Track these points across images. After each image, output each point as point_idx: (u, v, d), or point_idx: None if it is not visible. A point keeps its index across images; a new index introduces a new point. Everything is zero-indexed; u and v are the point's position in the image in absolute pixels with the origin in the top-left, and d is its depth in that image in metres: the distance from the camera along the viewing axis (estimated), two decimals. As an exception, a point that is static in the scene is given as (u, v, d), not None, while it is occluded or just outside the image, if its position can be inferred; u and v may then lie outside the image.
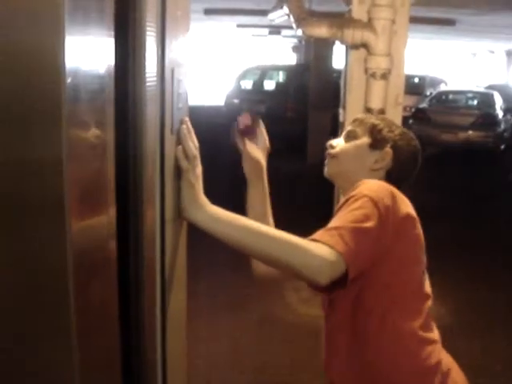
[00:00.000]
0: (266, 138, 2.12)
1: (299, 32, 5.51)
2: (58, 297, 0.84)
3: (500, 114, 13.95)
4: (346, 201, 1.72)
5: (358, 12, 5.11)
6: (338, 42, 5.46)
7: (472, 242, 7.30)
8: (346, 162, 2.00)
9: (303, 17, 5.37)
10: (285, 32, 17.57)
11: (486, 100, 14.77)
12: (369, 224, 1.63)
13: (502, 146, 13.65)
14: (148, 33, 1.05)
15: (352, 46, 5.20)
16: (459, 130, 13.05)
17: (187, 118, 1.48)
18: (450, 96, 15.93)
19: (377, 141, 1.97)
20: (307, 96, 12.34)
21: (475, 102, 15.36)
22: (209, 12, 13.06)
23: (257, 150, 2.06)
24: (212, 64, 39.34)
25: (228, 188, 9.05)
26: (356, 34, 5.02)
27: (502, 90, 17.06)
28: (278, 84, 15.65)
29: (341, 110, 5.60)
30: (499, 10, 11.09)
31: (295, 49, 28.55)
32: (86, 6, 0.83)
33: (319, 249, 1.55)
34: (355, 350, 1.82)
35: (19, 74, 0.77)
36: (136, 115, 1.06)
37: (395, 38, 5.12)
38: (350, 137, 2.02)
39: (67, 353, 0.86)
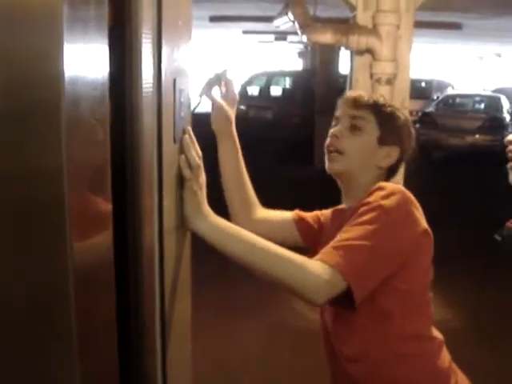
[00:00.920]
0: (235, 91, 2.07)
1: (304, 38, 5.53)
2: (57, 309, 0.84)
3: (507, 117, 13.90)
4: (360, 206, 1.64)
5: (363, 18, 5.12)
6: (343, 48, 5.48)
7: (480, 246, 7.26)
8: (353, 159, 1.85)
9: (308, 23, 5.39)
10: (291, 38, 17.59)
11: (493, 103, 14.73)
12: (379, 241, 1.56)
13: (510, 150, 13.60)
14: (144, 42, 1.05)
15: (357, 52, 5.20)
16: (466, 133, 13.01)
17: (190, 128, 1.48)
18: (457, 100, 15.88)
19: (387, 135, 1.84)
20: (313, 101, 12.34)
21: (482, 106, 15.32)
22: (214, 19, 13.09)
23: (225, 104, 2.01)
24: (219, 71, 39.40)
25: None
26: (361, 40, 5.02)
27: (509, 93, 17.01)
28: (284, 90, 15.67)
29: (347, 116, 5.59)
30: (503, 14, 11.07)
31: (301, 54, 28.56)
32: (85, 15, 0.83)
33: (315, 266, 1.50)
34: (371, 354, 1.78)
35: (19, 81, 0.78)
36: (132, 124, 1.06)
37: (400, 43, 5.13)
38: (356, 129, 1.86)
39: (68, 367, 0.86)
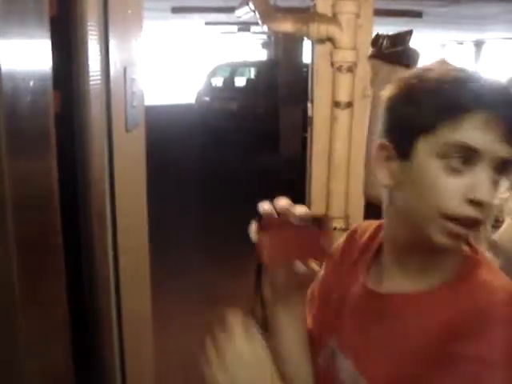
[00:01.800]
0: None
1: (265, 28, 5.52)
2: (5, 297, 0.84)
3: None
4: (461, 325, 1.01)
5: (323, 6, 5.12)
6: (304, 37, 5.48)
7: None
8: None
9: (268, 13, 5.37)
10: (254, 28, 17.57)
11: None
12: None
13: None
14: (90, 32, 1.05)
15: (317, 41, 5.21)
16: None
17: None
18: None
19: None
20: (278, 92, 12.35)
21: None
22: (176, 10, 13.02)
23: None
24: (182, 62, 39.22)
25: (198, 184, 9.08)
26: (321, 29, 5.03)
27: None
28: (248, 80, 15.63)
29: (309, 105, 5.61)
30: (463, 1, 11.19)
31: (265, 45, 28.58)
32: (22, 9, 0.82)
33: None
34: None
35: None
36: (80, 114, 1.06)
37: (360, 31, 5.14)
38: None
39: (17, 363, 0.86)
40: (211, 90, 14.71)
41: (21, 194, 0.83)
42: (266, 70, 14.87)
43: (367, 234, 1.47)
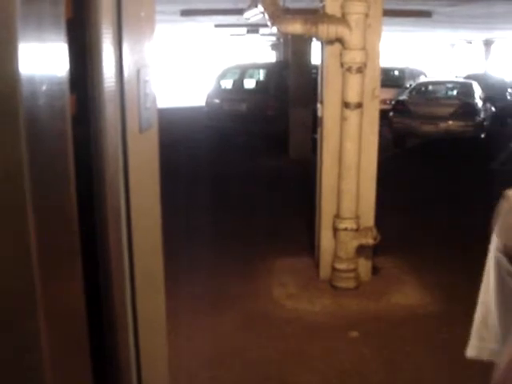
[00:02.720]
0: None
1: (274, 29, 5.54)
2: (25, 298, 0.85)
3: (479, 103, 14.02)
4: None
5: (332, 7, 5.14)
6: (313, 38, 5.50)
7: (454, 232, 7.35)
8: None
9: (277, 14, 5.39)
10: (263, 30, 17.59)
11: (465, 90, 14.84)
12: None
13: (483, 135, 13.74)
14: (104, 34, 1.06)
15: (327, 42, 5.23)
16: (439, 120, 13.11)
17: None
18: (430, 87, 16.00)
19: None
20: (287, 93, 12.37)
21: (454, 92, 15.45)
22: (185, 13, 13.07)
23: None
24: (192, 65, 39.31)
25: (208, 185, 9.10)
26: (330, 29, 5.05)
27: (480, 79, 17.16)
28: (258, 82, 15.67)
29: (319, 105, 5.63)
30: (472, 0, 11.17)
31: (274, 47, 28.62)
32: (40, 13, 0.84)
33: None
34: None
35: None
36: (95, 116, 1.07)
37: (369, 31, 5.16)
38: None
39: (36, 355, 0.87)
40: (221, 92, 14.75)
41: (40, 195, 0.85)
42: (275, 72, 14.91)
43: None
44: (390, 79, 18.70)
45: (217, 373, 4.09)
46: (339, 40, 5.09)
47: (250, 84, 15.62)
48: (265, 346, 4.49)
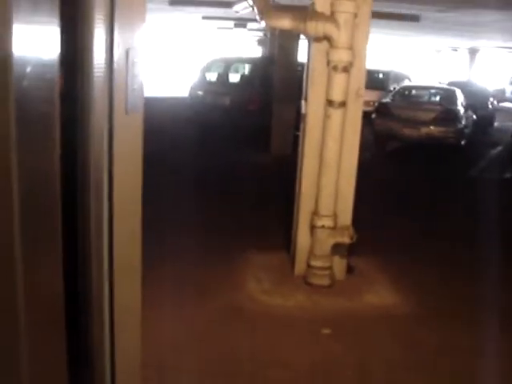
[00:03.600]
0: None
1: (263, 24, 5.54)
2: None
3: (461, 110, 14.11)
4: None
5: (321, 5, 5.15)
6: (301, 34, 5.51)
7: (430, 233, 7.41)
8: None
9: (267, 9, 5.39)
10: (250, 25, 17.58)
11: (447, 96, 14.93)
12: None
13: (463, 142, 13.83)
14: (97, 18, 1.06)
15: (314, 39, 5.24)
16: (421, 124, 13.17)
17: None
18: (413, 91, 16.09)
19: None
20: (272, 89, 12.36)
21: (437, 98, 15.54)
22: (174, 3, 13.01)
23: None
24: (178, 55, 39.16)
25: (187, 178, 9.09)
26: (318, 27, 5.06)
27: (463, 86, 17.28)
28: (242, 76, 15.65)
29: (303, 102, 5.64)
30: (460, 7, 11.25)
31: (260, 42, 28.60)
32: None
33: None
34: None
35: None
36: (82, 94, 1.07)
37: (357, 31, 5.18)
38: None
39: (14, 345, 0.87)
40: (205, 84, 14.70)
41: (26, 170, 0.84)
42: (261, 67, 14.90)
43: None
44: (375, 81, 18.76)
45: (188, 365, 4.09)
46: (327, 38, 5.10)
47: (234, 78, 15.59)
48: (237, 340, 4.50)
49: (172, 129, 13.92)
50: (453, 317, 5.07)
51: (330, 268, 5.50)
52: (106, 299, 1.27)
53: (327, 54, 5.15)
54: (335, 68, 5.10)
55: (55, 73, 0.93)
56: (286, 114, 11.53)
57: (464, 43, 30.67)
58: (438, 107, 14.11)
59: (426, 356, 4.45)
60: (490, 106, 19.40)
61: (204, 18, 17.77)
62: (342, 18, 5.02)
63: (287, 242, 6.16)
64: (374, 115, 13.99)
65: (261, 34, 24.58)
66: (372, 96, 16.60)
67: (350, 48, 5.09)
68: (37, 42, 0.86)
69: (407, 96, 15.51)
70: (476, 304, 5.25)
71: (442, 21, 14.18)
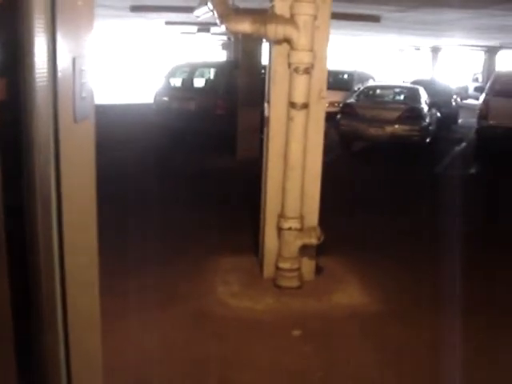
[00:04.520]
0: None
1: (223, 28, 5.54)
2: None
3: (425, 108, 14.25)
4: None
5: (281, 7, 5.17)
6: (262, 38, 5.51)
7: (396, 232, 7.47)
8: None
9: (227, 13, 5.39)
10: (213, 29, 17.58)
11: (411, 95, 15.07)
12: None
13: (428, 139, 13.97)
14: (37, 21, 1.04)
15: (275, 42, 5.25)
16: (386, 124, 13.27)
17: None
18: (377, 91, 16.21)
19: None
20: (236, 93, 12.36)
21: (401, 97, 15.68)
22: (135, 9, 12.97)
23: None
24: (142, 61, 39.00)
25: (154, 184, 9.06)
26: (278, 29, 5.07)
27: (427, 85, 17.46)
28: (207, 81, 15.61)
29: (266, 105, 5.65)
30: (422, 6, 11.38)
31: (225, 46, 28.57)
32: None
33: None
34: None
35: None
36: (25, 102, 1.05)
37: (317, 33, 5.20)
38: None
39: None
40: (170, 90, 14.62)
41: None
42: (225, 71, 14.87)
43: None
44: (339, 82, 18.89)
45: (157, 370, 4.06)
46: (287, 40, 5.12)
47: (199, 83, 15.55)
48: (207, 344, 4.48)
49: (137, 135, 13.85)
50: (421, 314, 5.12)
51: (298, 269, 5.51)
52: (59, 311, 1.25)
53: (288, 56, 5.16)
54: (296, 70, 5.11)
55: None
56: (250, 118, 11.53)
57: (426, 42, 31.02)
58: (403, 106, 14.24)
59: (395, 354, 4.48)
60: (454, 104, 19.64)
61: (167, 23, 17.75)
62: (301, 20, 5.04)
63: (255, 245, 6.17)
64: (338, 116, 14.07)
65: (225, 38, 24.59)
66: (337, 97, 16.71)
67: (311, 50, 5.11)
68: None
69: (371, 96, 15.62)
70: (444, 299, 5.30)
71: (403, 20, 14.34)
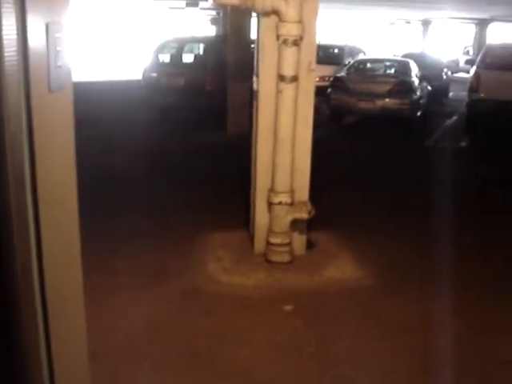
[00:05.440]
0: None
1: (211, 1, 5.46)
2: None
3: (416, 81, 14.20)
4: None
5: (269, -21, 5.08)
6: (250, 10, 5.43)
7: (388, 206, 7.45)
8: None
9: (214, -15, 5.31)
10: (202, 4, 17.39)
11: (402, 68, 15.01)
12: None
13: (419, 113, 13.94)
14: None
15: (263, 14, 5.17)
16: (376, 97, 13.23)
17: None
18: (368, 65, 16.13)
19: None
20: (226, 68, 12.26)
21: (392, 71, 15.60)
22: (122, -17, 12.77)
23: None
24: (130, 37, 38.64)
25: (144, 160, 9.01)
26: (266, 2, 4.99)
27: (418, 58, 17.40)
28: (196, 56, 15.46)
29: (254, 79, 5.58)
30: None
31: (214, 21, 28.38)
32: None
33: None
34: None
35: None
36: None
37: (306, 5, 5.12)
38: None
39: None
40: (158, 66, 14.46)
41: None
42: (214, 46, 14.72)
43: None
44: (330, 56, 18.75)
45: (148, 348, 4.04)
46: (275, 12, 5.04)
47: (188, 58, 15.40)
48: (198, 320, 4.46)
49: (126, 112, 13.73)
50: (413, 287, 5.11)
51: (289, 244, 5.48)
52: (36, 287, 1.20)
53: (277, 28, 5.08)
54: (285, 42, 5.04)
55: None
56: (240, 93, 11.43)
57: (417, 15, 30.89)
58: (393, 79, 14.19)
59: (387, 328, 4.47)
60: (445, 77, 19.58)
61: (155, -2, 17.53)
62: (289, -9, 4.95)
63: (246, 220, 6.13)
64: (329, 90, 14.00)
65: (214, 12, 24.38)
66: (327, 71, 16.58)
67: (300, 21, 5.03)
68: None
69: (362, 70, 15.55)
70: (435, 273, 5.30)
71: (394, -7, 14.21)
